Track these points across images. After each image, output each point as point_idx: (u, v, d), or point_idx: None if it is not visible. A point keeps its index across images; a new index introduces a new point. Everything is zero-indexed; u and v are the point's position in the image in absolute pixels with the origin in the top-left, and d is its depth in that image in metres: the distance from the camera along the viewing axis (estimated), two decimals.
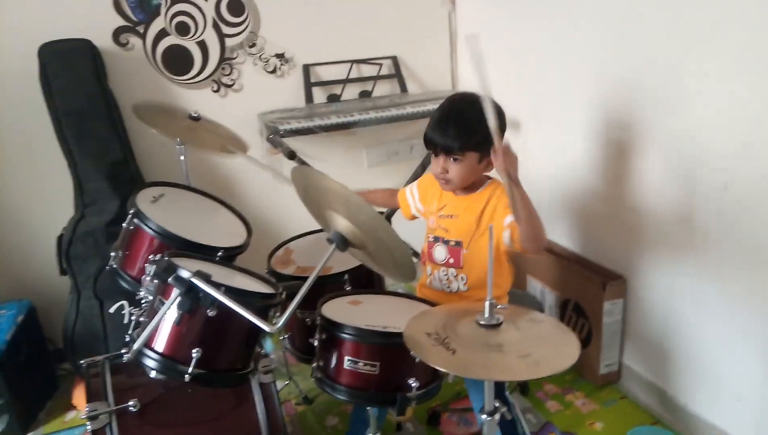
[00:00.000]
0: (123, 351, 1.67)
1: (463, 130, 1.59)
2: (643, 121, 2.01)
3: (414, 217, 1.95)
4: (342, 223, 1.32)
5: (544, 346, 1.16)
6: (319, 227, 2.04)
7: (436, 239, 1.77)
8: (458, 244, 1.73)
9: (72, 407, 2.35)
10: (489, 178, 1.75)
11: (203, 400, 1.61)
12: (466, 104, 1.61)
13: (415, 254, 2.02)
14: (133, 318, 2.26)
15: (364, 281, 1.86)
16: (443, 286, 1.79)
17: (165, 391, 1.58)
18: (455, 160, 1.63)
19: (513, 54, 2.62)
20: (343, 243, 1.34)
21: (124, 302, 2.30)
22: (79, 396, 2.36)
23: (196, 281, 1.29)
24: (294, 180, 1.39)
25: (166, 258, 1.40)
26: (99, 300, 2.28)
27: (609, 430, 2.09)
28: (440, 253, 1.77)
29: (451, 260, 1.75)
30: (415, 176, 2.88)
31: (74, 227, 2.29)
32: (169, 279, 1.30)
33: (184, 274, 1.31)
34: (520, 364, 1.09)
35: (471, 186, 1.72)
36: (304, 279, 1.37)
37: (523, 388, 2.30)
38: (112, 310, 2.30)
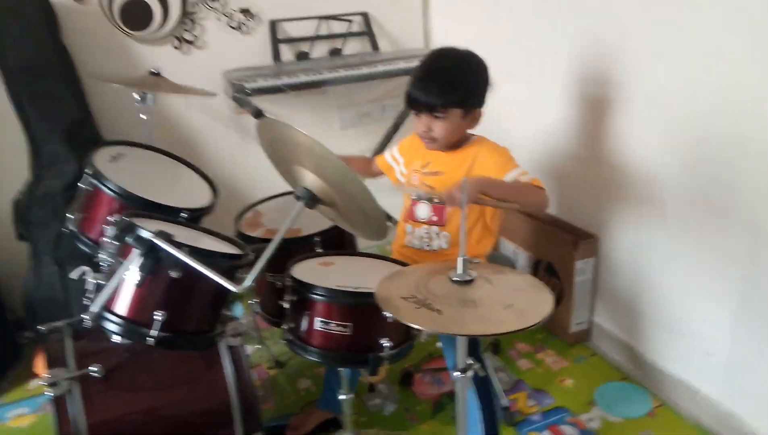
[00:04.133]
0: (84, 316, 1.62)
1: (446, 86, 1.57)
2: (615, 81, 1.98)
3: (398, 181, 1.90)
4: (310, 178, 1.27)
5: (520, 297, 1.14)
6: (289, 189, 2.00)
7: (420, 197, 1.74)
8: (443, 201, 1.69)
9: (35, 375, 2.29)
10: (473, 134, 1.71)
11: (171, 364, 1.57)
12: (448, 60, 1.61)
13: (389, 218, 1.97)
14: (94, 283, 2.19)
15: (336, 244, 1.81)
16: (423, 244, 1.76)
17: (131, 356, 1.53)
18: (439, 117, 1.61)
19: (484, 12, 2.56)
20: (311, 199, 1.29)
21: (87, 268, 2.21)
22: (40, 364, 2.29)
23: (157, 241, 1.23)
24: (259, 134, 1.33)
25: (125, 218, 1.34)
26: (59, 266, 2.20)
27: (579, 387, 2.12)
28: (423, 210, 1.74)
29: (435, 218, 1.72)
30: (388, 138, 2.82)
31: (31, 191, 2.20)
32: (129, 239, 1.23)
33: (145, 234, 1.25)
34: (509, 315, 1.07)
35: (456, 143, 1.69)
36: None
37: (495, 347, 2.31)
38: (74, 275, 2.21)
